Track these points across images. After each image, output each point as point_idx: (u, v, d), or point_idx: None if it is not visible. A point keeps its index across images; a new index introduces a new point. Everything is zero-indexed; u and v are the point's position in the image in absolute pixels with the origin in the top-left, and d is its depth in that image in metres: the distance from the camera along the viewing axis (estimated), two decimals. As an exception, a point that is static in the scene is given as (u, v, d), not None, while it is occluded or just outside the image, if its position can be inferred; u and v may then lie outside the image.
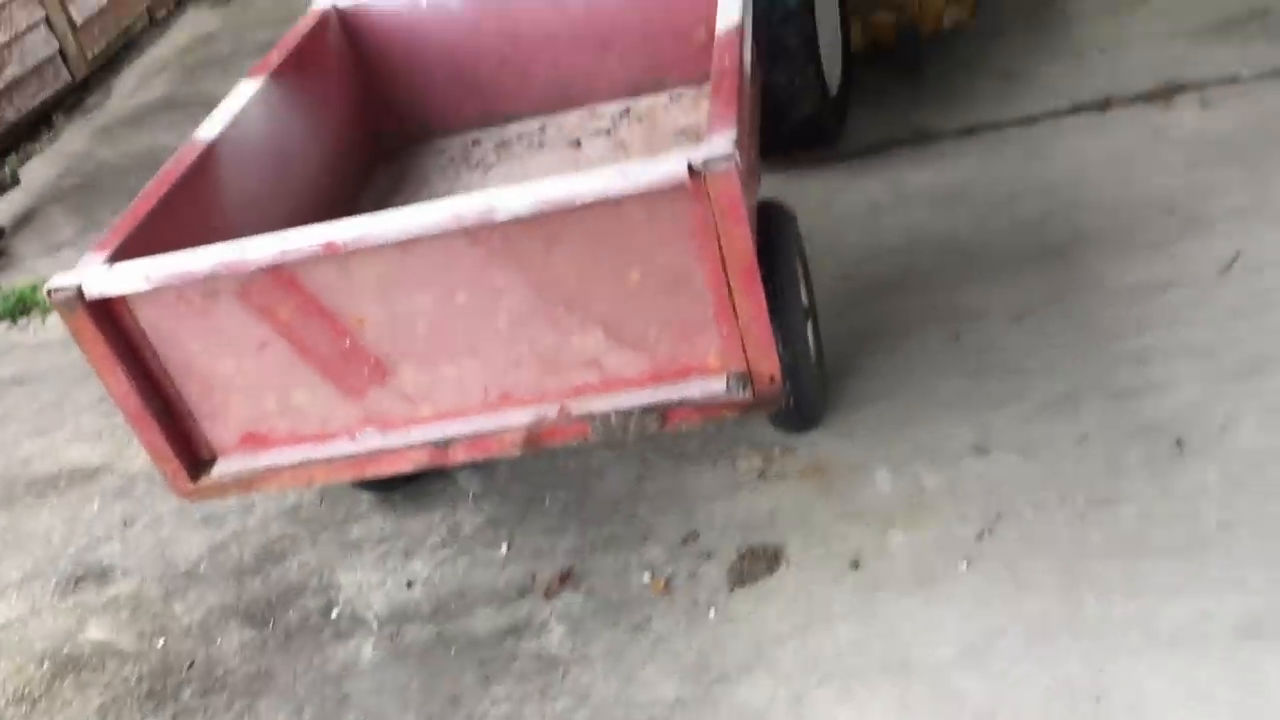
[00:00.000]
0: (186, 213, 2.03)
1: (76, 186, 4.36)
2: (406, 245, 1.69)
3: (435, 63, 2.79)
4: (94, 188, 4.32)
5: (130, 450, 2.77)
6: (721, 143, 1.61)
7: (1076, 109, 3.06)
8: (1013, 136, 3.05)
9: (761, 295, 1.70)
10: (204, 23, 5.90)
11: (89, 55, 5.27)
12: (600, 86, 2.79)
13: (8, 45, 4.74)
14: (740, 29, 2.00)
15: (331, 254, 1.69)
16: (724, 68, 1.85)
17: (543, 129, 2.79)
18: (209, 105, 4.68)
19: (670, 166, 1.60)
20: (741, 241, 1.65)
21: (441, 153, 2.82)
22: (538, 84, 2.80)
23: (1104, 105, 3.03)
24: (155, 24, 5.90)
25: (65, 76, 5.10)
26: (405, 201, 2.63)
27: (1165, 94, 3.00)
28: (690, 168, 1.60)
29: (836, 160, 3.17)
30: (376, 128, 2.80)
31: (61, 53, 5.08)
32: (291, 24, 5.44)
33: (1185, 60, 3.13)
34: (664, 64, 2.74)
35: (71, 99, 5.13)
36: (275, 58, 2.46)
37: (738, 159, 1.59)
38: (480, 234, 1.69)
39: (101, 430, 2.91)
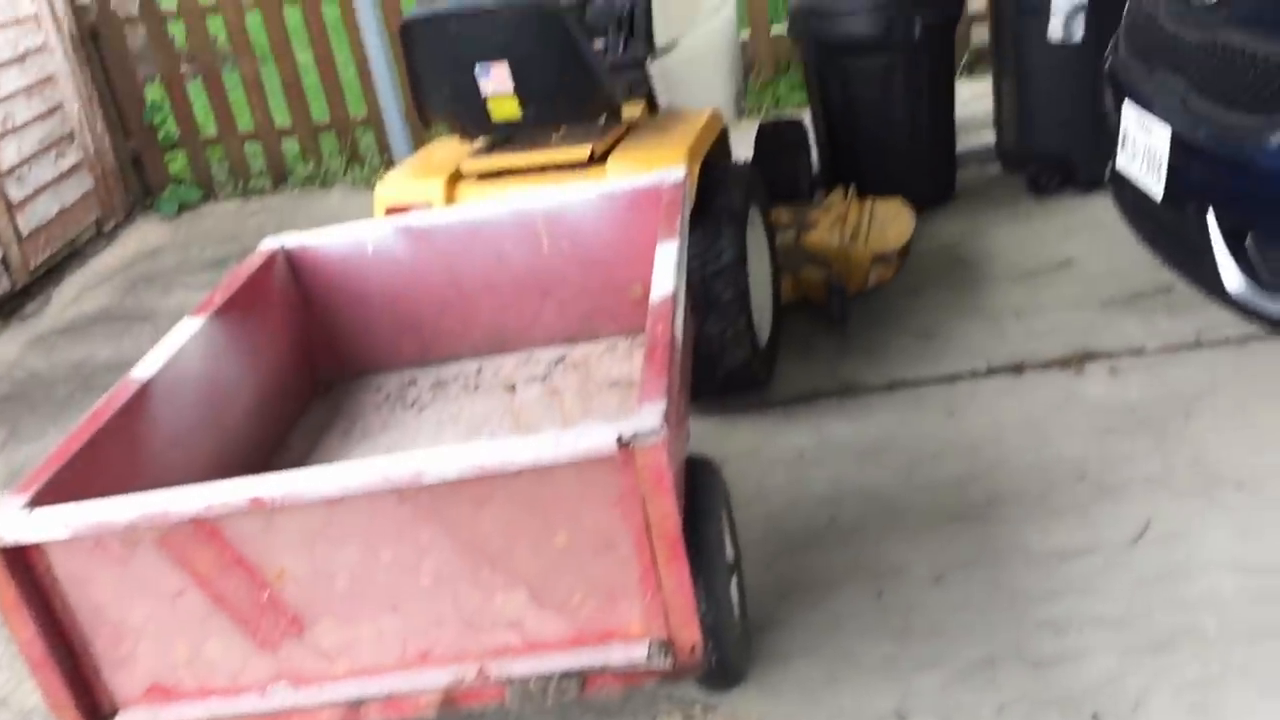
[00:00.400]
0: (114, 453, 2.02)
1: (3, 396, 4.32)
2: (333, 502, 1.70)
3: (378, 304, 2.86)
4: (22, 398, 4.28)
5: (31, 684, 2.66)
6: (650, 417, 1.66)
7: (993, 371, 3.20)
8: (933, 394, 3.16)
9: (685, 565, 1.72)
10: (152, 236, 6.00)
11: (31, 265, 5.31)
12: (538, 333, 2.88)
13: (-49, 254, 4.78)
14: (674, 296, 2.09)
15: (257, 508, 1.69)
16: (657, 337, 1.92)
17: (479, 371, 2.85)
18: (148, 319, 4.79)
19: (600, 438, 1.64)
20: (667, 512, 1.68)
21: (378, 390, 2.86)
22: (477, 328, 2.88)
23: (1019, 369, 3.18)
24: (103, 235, 5.99)
25: (4, 284, 5.12)
26: (338, 439, 2.65)
27: (1076, 361, 3.15)
28: (619, 439, 1.64)
29: (765, 408, 3.26)
30: (315, 364, 2.85)
31: (4, 260, 5.12)
32: (239, 241, 5.60)
33: (1095, 329, 3.30)
34: (601, 315, 2.84)
35: (9, 306, 5.14)
36: (218, 297, 2.51)
37: (665, 433, 1.64)
38: (408, 493, 1.70)
39: (1, 657, 2.80)
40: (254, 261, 2.72)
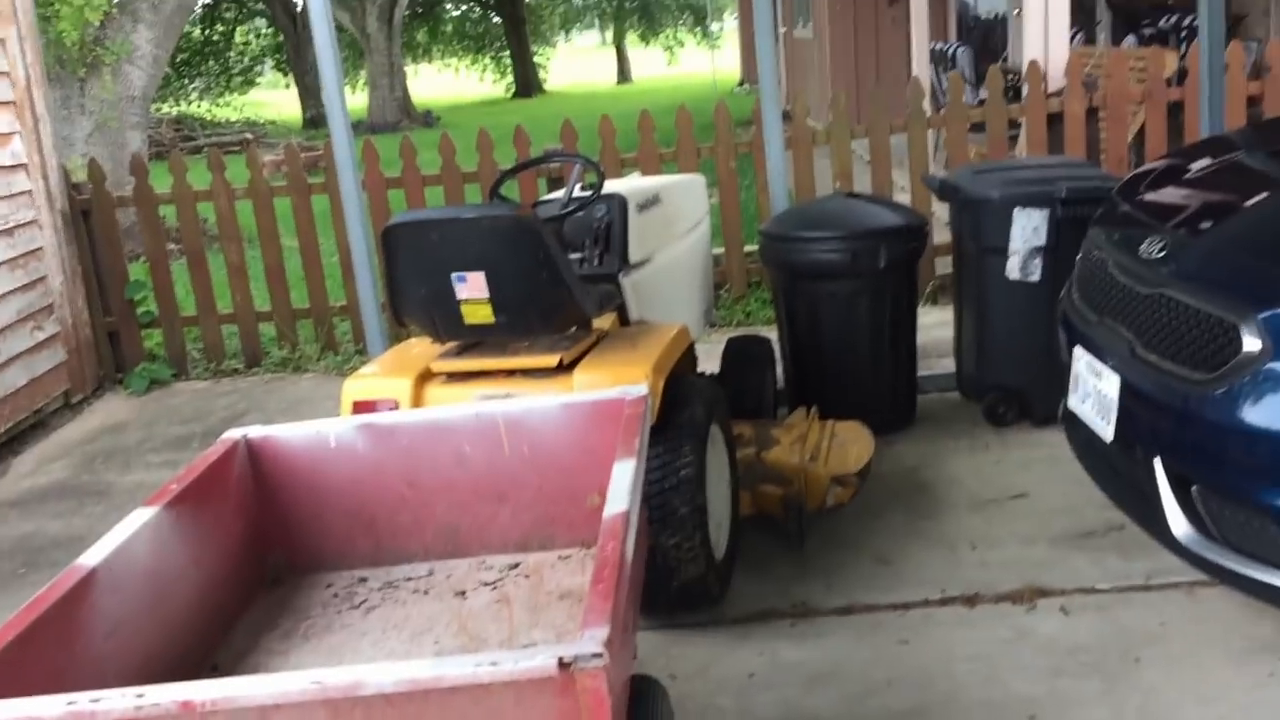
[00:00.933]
0: (52, 643, 1.98)
1: (-55, 568, 4.23)
2: (266, 710, 1.66)
3: (335, 501, 2.86)
4: (-37, 570, 4.19)
5: None
6: (593, 642, 1.65)
7: (946, 601, 3.20)
8: (887, 621, 3.15)
9: (620, 796, 1.68)
10: (118, 411, 6.00)
11: (-7, 434, 5.29)
12: (492, 538, 2.87)
13: (-88, 419, 4.76)
14: (627, 514, 2.10)
15: (187, 712, 1.65)
16: (606, 557, 1.93)
17: (430, 574, 2.83)
18: (104, 496, 4.74)
19: (540, 659, 1.63)
20: (604, 738, 1.65)
21: (327, 587, 2.82)
22: (431, 529, 2.87)
23: (972, 601, 3.18)
24: (70, 407, 5.99)
25: (-37, 453, 5.08)
26: (280, 639, 2.60)
27: (1029, 596, 3.16)
28: (560, 662, 1.63)
29: (717, 625, 3.23)
30: (267, 558, 2.82)
31: (-35, 429, 5.10)
32: (205, 421, 5.59)
33: (1047, 565, 3.33)
34: (556, 523, 2.84)
35: (-36, 475, 5.09)
36: (175, 486, 2.50)
37: (608, 658, 1.63)
38: (343, 705, 1.67)
39: None
40: (214, 451, 2.72)
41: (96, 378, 6.30)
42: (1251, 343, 2.42)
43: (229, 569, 2.68)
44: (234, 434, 2.83)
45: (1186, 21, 9.21)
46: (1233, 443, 2.45)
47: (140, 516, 2.37)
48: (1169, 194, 3.33)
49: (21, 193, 5.77)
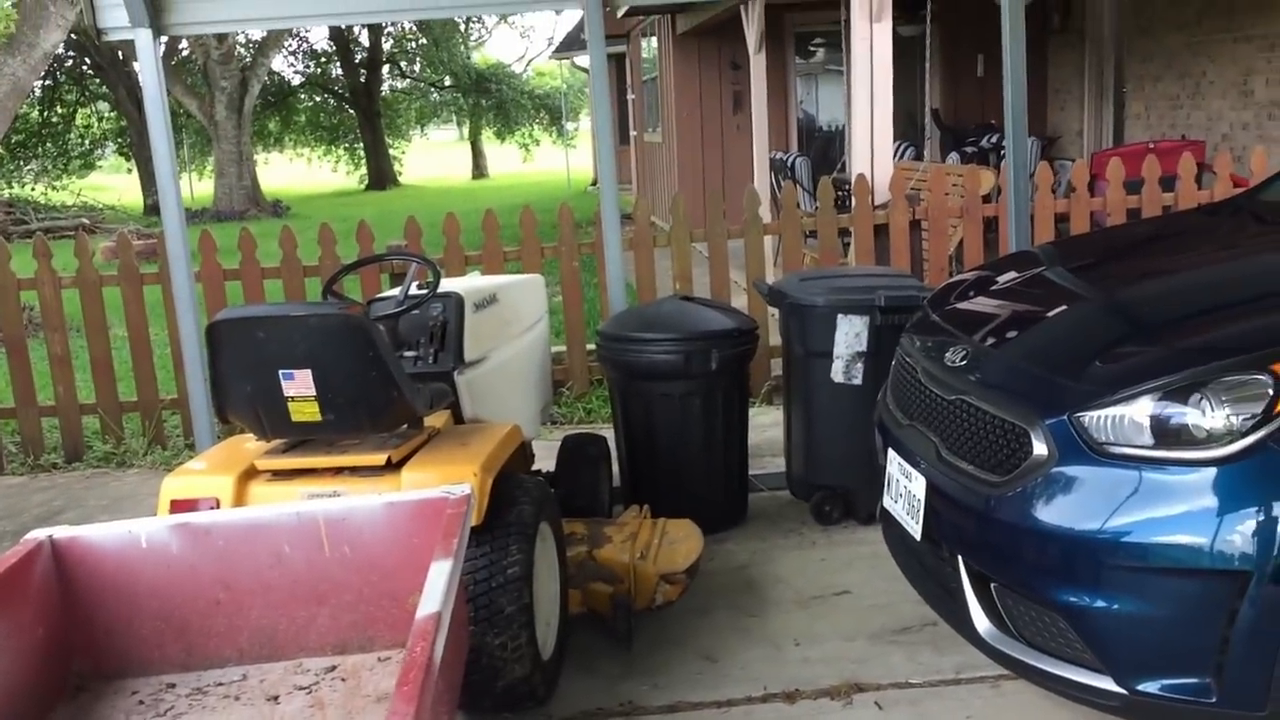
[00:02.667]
0: None
1: None
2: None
3: (145, 602, 2.77)
4: None
5: None
6: (392, 747, 1.64)
7: (768, 698, 3.26)
8: (710, 719, 3.18)
9: None
10: (-78, 508, 5.67)
11: None
12: (310, 640, 2.81)
13: None
14: (439, 615, 2.10)
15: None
16: (414, 659, 1.92)
17: (244, 678, 2.75)
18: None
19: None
20: (403, 847, 1.63)
21: (133, 694, 2.72)
22: (246, 632, 2.80)
23: (792, 697, 3.24)
24: None
25: None
26: (77, 749, 2.49)
27: (846, 691, 3.24)
28: (358, 768, 1.61)
29: (543, 728, 3.21)
30: (70, 664, 2.70)
31: None
32: (18, 518, 5.33)
33: (865, 660, 3.42)
34: (376, 624, 2.81)
35: None
36: (-31, 590, 2.39)
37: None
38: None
39: None
40: (15, 552, 2.61)
41: (-100, 472, 5.96)
42: (1040, 448, 2.58)
43: (27, 677, 2.56)
44: (38, 534, 2.73)
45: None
46: (1025, 542, 2.60)
47: (-74, 623, 2.25)
48: (974, 305, 3.54)
49: None
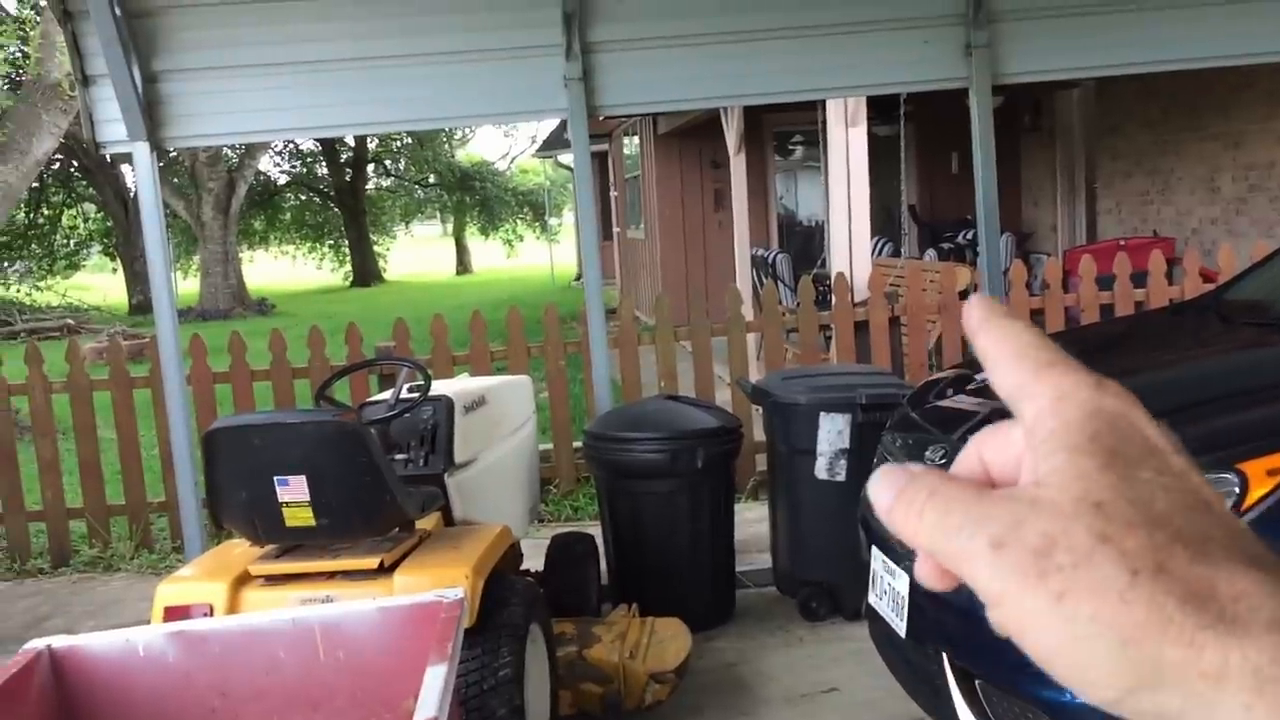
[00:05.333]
0: None
1: None
2: None
3: (140, 709, 2.78)
4: None
5: None
6: None
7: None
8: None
9: None
10: (-93, 615, 5.64)
11: None
12: (304, 748, 2.83)
13: None
14: (436, 722, 2.14)
15: None
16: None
17: (238, 787, 2.76)
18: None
19: None
20: None
21: (126, 804, 2.72)
22: (241, 740, 2.81)
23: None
24: None
25: None
26: None
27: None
28: None
29: (535, 832, 3.21)
30: (61, 775, 2.71)
31: None
32: (4, 623, 5.31)
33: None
34: (371, 730, 2.83)
35: None
36: (-32, 703, 2.42)
37: None
38: None
39: None
40: (15, 663, 2.64)
41: (-114, 579, 5.94)
42: (1018, 545, 2.65)
43: (21, 789, 2.57)
44: (37, 644, 2.76)
45: (981, 236, 10.06)
46: (1006, 638, 2.65)
47: (-73, 734, 2.28)
48: (952, 404, 3.64)
49: None
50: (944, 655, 2.87)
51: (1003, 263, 5.77)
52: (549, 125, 22.79)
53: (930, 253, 9.94)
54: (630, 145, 16.91)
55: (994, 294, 5.21)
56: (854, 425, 4.41)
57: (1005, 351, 0.46)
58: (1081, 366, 0.45)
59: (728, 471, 4.70)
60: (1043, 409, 0.44)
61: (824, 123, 7.44)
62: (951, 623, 2.86)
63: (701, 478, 4.52)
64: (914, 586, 3.00)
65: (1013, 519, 0.42)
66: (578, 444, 6.66)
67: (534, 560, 4.58)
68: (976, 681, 2.76)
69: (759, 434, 6.02)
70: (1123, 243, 8.97)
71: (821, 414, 4.45)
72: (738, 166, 10.38)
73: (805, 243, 13.94)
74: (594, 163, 12.71)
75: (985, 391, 3.63)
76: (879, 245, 10.42)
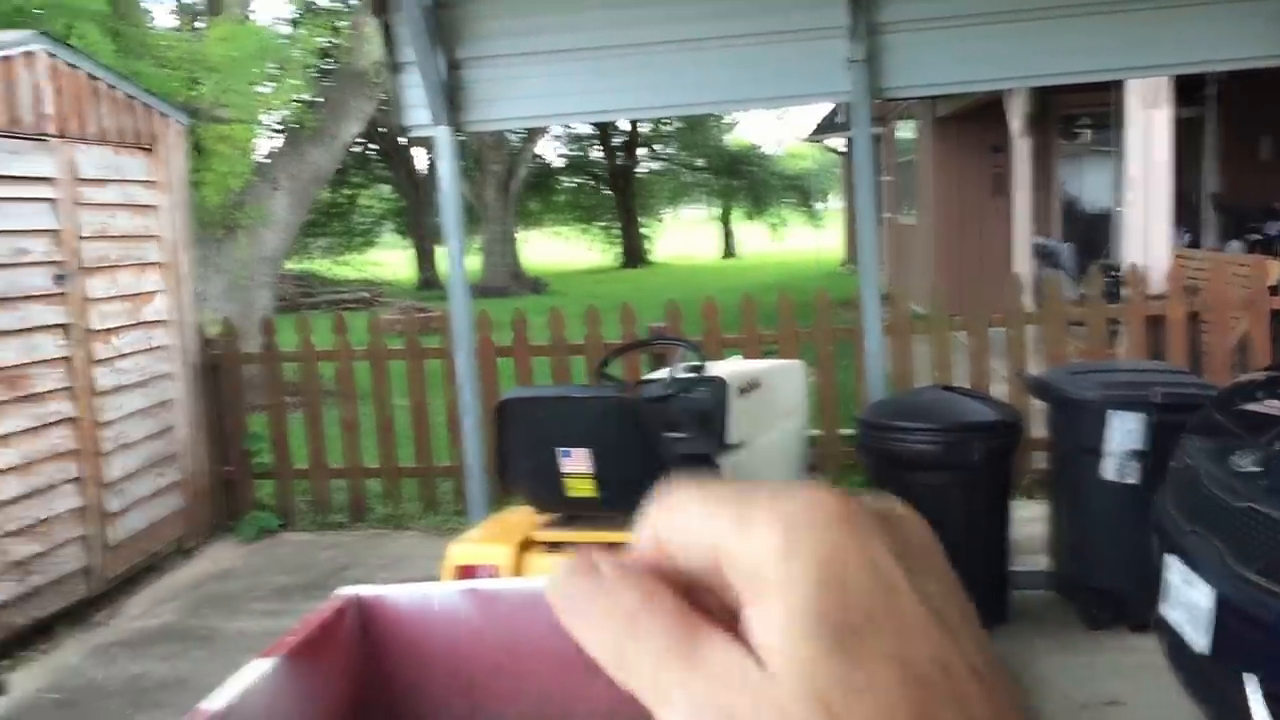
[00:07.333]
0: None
1: (57, 703, 4.40)
2: None
3: (435, 660, 2.96)
4: (74, 706, 4.36)
5: None
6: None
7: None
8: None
9: None
10: (226, 558, 6.23)
11: (110, 575, 5.53)
12: (581, 710, 2.94)
13: (39, 556, 5.02)
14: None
15: None
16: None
17: (520, 741, 2.90)
18: (208, 641, 4.92)
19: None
20: None
21: (419, 747, 2.91)
22: (525, 697, 2.95)
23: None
24: (182, 552, 6.24)
25: (82, 591, 5.32)
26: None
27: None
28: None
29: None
30: (366, 715, 2.92)
31: (87, 568, 5.35)
32: (308, 572, 5.78)
33: (1139, 776, 3.26)
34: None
35: (79, 613, 5.31)
36: (291, 638, 2.64)
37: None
38: None
39: None
40: (329, 607, 2.86)
41: (209, 525, 6.57)
42: (1344, 564, 2.44)
43: (330, 723, 2.79)
44: (346, 591, 2.98)
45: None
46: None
47: (258, 667, 2.50)
48: (1265, 408, 3.37)
49: (160, 347, 6.16)
50: (1249, 677, 2.67)
51: (1323, 256, 5.28)
52: (821, 109, 22.53)
53: (1234, 245, 9.21)
54: (905, 129, 16.51)
55: (1313, 290, 4.77)
56: (1148, 425, 4.16)
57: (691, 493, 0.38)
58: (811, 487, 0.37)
59: (1005, 467, 4.53)
60: (765, 552, 0.36)
61: (1119, 105, 7.01)
62: (1264, 644, 2.65)
63: (978, 472, 4.38)
64: (1221, 601, 2.80)
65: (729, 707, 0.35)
66: (845, 431, 6.59)
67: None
68: (1288, 707, 2.56)
69: (1036, 430, 5.78)
70: None
71: (1112, 412, 4.22)
72: (1020, 150, 9.96)
73: (1089, 231, 13.20)
74: (868, 146, 12.48)
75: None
76: (1178, 236, 9.76)
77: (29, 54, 5.20)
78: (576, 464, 3.31)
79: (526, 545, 3.48)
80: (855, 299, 7.13)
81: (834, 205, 42.47)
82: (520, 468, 3.41)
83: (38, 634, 5.04)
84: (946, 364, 6.29)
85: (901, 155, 17.00)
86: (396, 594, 3.04)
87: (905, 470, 4.45)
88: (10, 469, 4.91)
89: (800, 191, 39.91)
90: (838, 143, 23.53)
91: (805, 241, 36.29)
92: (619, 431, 3.26)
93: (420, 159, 28.82)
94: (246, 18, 10.46)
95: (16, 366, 4.98)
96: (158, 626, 5.21)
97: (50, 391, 5.20)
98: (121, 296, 5.82)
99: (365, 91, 10.32)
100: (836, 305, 6.65)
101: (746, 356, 6.26)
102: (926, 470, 4.39)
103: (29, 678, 4.66)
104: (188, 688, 4.35)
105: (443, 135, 4.99)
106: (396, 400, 7.04)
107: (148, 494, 5.93)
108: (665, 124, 36.36)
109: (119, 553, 5.61)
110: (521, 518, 3.67)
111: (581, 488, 3.33)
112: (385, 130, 24.55)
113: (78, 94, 5.52)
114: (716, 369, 4.31)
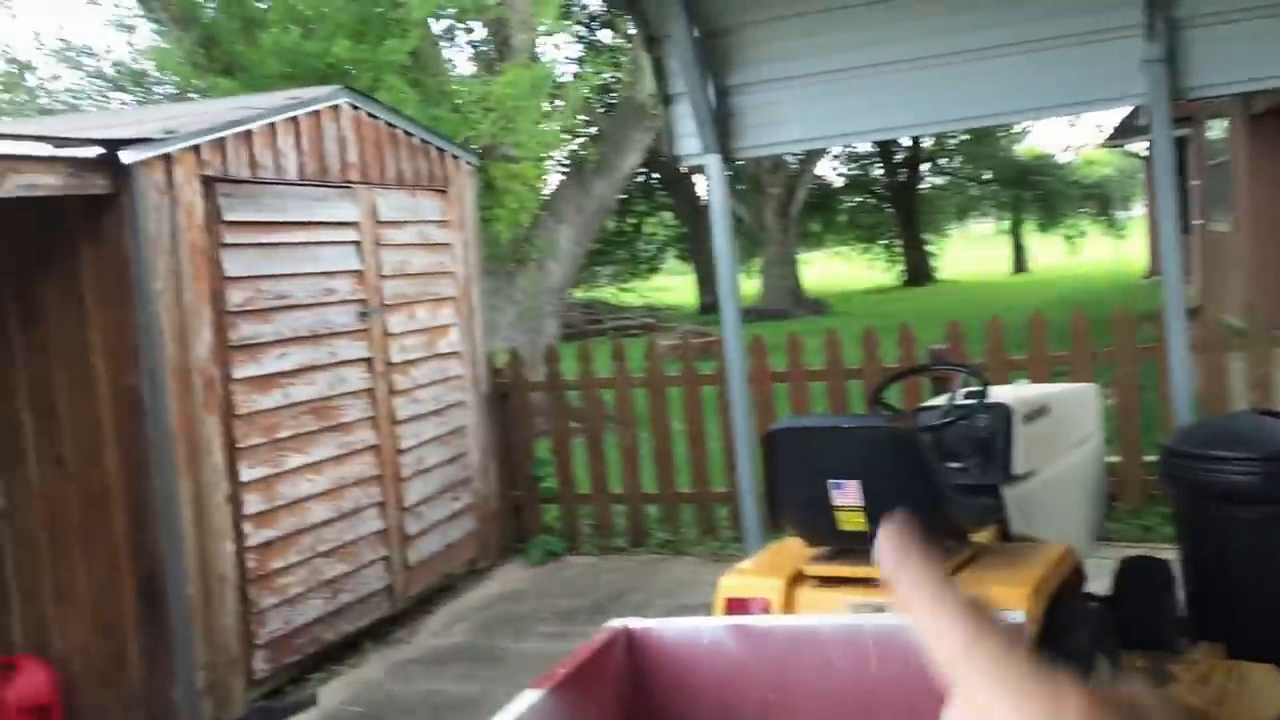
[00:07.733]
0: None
1: (359, 716, 4.68)
2: None
3: (702, 695, 2.93)
4: None
5: None
6: None
7: None
8: None
9: None
10: (515, 580, 6.47)
11: (409, 594, 5.85)
12: (854, 755, 2.82)
13: (347, 576, 5.37)
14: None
15: None
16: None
17: (791, 783, 2.81)
18: (498, 662, 5.10)
19: None
20: None
21: (691, 784, 2.88)
22: (795, 737, 2.86)
23: None
24: (474, 573, 6.53)
25: (385, 609, 5.65)
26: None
27: None
28: None
29: None
30: (634, 747, 2.92)
31: (389, 588, 5.68)
32: (590, 596, 5.91)
33: None
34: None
35: (382, 631, 5.63)
36: (562, 670, 2.68)
37: None
38: None
39: None
40: (599, 638, 2.89)
41: (499, 548, 6.84)
42: None
43: (602, 755, 2.80)
44: (616, 623, 3.00)
45: None
46: None
47: (528, 698, 2.55)
48: None
49: (453, 377, 6.49)
50: None
51: None
52: (1119, 112, 21.22)
53: None
54: (1216, 128, 15.28)
55: None
56: None
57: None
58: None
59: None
60: None
61: None
62: None
63: (1304, 506, 3.93)
64: None
65: None
66: (1148, 458, 6.11)
67: (1096, 582, 4.24)
68: None
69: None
70: None
71: None
72: (1353, 145, 8.97)
73: None
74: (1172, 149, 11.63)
75: None
76: None
77: (334, 107, 5.62)
78: (848, 496, 3.21)
79: (797, 579, 3.40)
80: (1159, 313, 6.62)
81: (1136, 214, 39.91)
82: (789, 499, 3.33)
83: (345, 649, 5.38)
84: (1266, 386, 5.72)
85: (1213, 157, 15.73)
86: (665, 627, 3.04)
87: (1220, 502, 4.05)
88: (321, 494, 5.28)
89: (1099, 200, 37.71)
90: (1139, 147, 22.06)
91: (1103, 253, 34.24)
92: (891, 462, 3.13)
93: (700, 186, 29.26)
94: (535, 58, 10.92)
95: (326, 398, 5.36)
96: (451, 645, 5.46)
97: (356, 421, 5.57)
98: (418, 330, 6.17)
99: (644, 123, 10.56)
100: (1138, 319, 6.19)
101: (1035, 380, 5.92)
102: (1245, 503, 3.98)
103: (336, 691, 4.98)
104: (478, 707, 4.52)
105: (713, 163, 5.00)
106: (674, 425, 7.11)
107: (443, 517, 6.24)
108: (950, 137, 35.32)
109: (417, 573, 5.93)
110: (793, 550, 3.60)
111: (853, 521, 3.22)
112: (665, 159, 25.10)
113: (377, 142, 5.91)
114: (1000, 394, 4.08)
